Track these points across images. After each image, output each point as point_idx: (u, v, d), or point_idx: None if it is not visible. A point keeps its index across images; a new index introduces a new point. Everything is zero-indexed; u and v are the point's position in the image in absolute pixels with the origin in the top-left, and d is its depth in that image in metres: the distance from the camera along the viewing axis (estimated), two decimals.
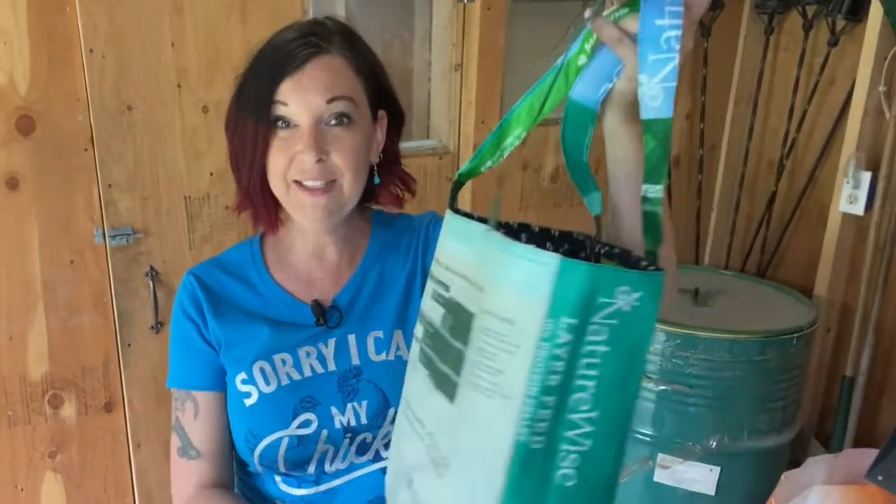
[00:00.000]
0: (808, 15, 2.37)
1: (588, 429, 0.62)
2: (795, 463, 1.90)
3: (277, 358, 0.98)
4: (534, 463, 0.62)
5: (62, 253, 1.78)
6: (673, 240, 0.80)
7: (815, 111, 2.42)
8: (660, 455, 2.03)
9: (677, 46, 0.60)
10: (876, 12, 2.11)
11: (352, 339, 1.00)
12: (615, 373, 0.62)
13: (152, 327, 1.88)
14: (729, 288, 2.32)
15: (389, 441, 0.98)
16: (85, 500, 1.95)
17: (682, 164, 2.59)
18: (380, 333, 1.01)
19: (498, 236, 0.65)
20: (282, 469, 0.99)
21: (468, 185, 0.80)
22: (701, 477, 2.02)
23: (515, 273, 0.62)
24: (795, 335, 2.00)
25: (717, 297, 2.24)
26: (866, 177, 2.18)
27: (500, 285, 0.63)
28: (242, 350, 0.98)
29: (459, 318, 0.68)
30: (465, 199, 2.05)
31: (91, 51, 1.68)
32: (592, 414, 0.62)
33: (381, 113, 0.99)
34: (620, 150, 0.74)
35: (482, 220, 0.70)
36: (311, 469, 0.99)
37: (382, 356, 1.00)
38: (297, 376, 0.98)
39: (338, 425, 0.97)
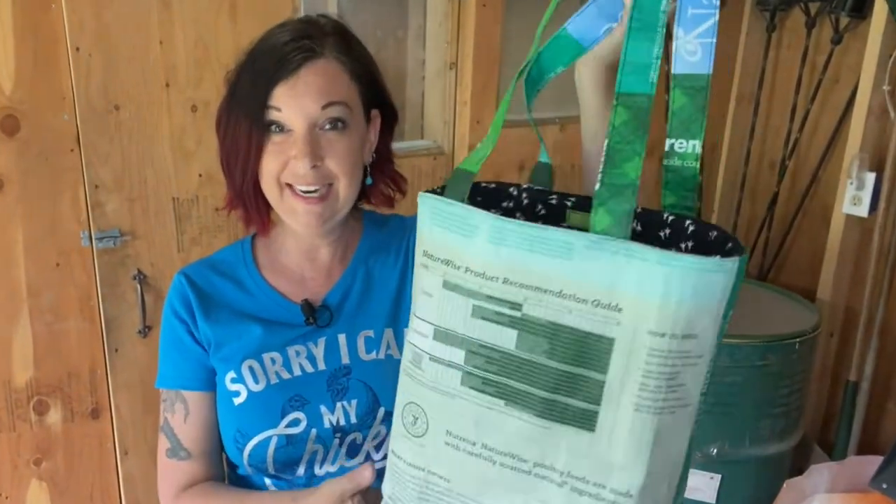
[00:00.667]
0: (810, 12, 2.34)
1: (703, 407, 0.64)
2: (798, 470, 1.88)
3: (267, 357, 0.98)
4: (692, 449, 0.66)
5: (48, 256, 1.76)
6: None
7: (818, 110, 2.40)
8: None
9: (717, 3, 0.62)
10: (880, 9, 2.09)
11: (342, 338, 1.00)
12: None
13: (140, 332, 1.85)
14: None
15: (380, 443, 1.00)
16: None
17: None
18: (370, 332, 1.01)
19: (623, 244, 0.57)
20: (271, 470, 0.98)
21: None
22: (702, 485, 2.00)
23: (686, 284, 0.57)
24: (798, 340, 1.97)
25: None
26: (870, 178, 2.16)
27: (664, 301, 0.57)
28: (232, 349, 0.99)
29: (583, 344, 0.60)
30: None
31: (77, 49, 1.66)
32: (706, 389, 0.64)
33: (375, 112, 0.99)
34: (592, 102, 0.81)
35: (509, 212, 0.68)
36: (301, 471, 0.99)
37: (373, 355, 1.00)
38: (286, 375, 0.98)
39: (327, 424, 0.97)
